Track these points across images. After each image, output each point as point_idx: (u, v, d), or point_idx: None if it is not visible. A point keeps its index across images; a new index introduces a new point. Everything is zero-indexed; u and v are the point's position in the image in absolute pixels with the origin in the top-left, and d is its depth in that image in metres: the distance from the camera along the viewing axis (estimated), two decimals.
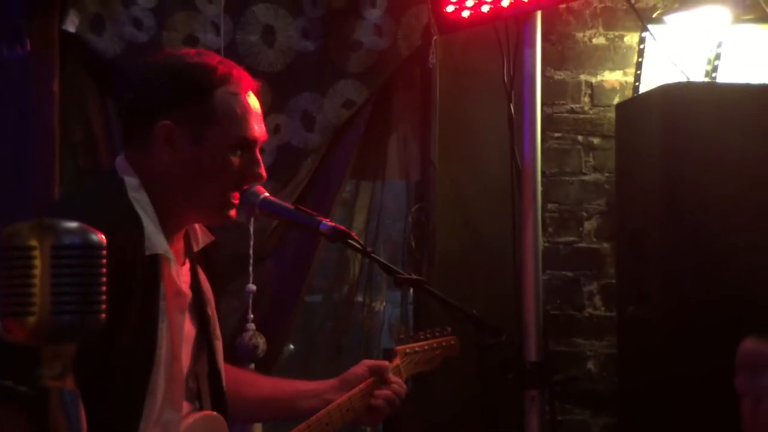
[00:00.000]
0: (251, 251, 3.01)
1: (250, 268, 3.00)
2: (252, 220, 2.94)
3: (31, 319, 1.05)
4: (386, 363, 2.15)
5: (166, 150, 1.73)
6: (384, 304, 3.38)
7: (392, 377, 2.13)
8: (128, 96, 1.82)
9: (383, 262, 1.93)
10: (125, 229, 1.63)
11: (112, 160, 2.96)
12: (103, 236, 1.10)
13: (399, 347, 2.24)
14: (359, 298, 3.29)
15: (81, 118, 3.01)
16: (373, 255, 1.94)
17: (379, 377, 2.11)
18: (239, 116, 1.76)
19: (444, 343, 2.31)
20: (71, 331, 1.06)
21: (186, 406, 1.79)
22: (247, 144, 1.77)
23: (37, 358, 1.10)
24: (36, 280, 1.04)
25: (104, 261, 1.09)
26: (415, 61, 3.21)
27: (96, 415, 1.48)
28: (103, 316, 1.09)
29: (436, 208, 3.23)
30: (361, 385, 2.10)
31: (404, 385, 2.15)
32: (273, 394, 2.10)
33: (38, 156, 2.85)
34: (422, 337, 2.29)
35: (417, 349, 2.25)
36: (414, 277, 2.06)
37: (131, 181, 1.73)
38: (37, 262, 1.05)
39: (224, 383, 1.88)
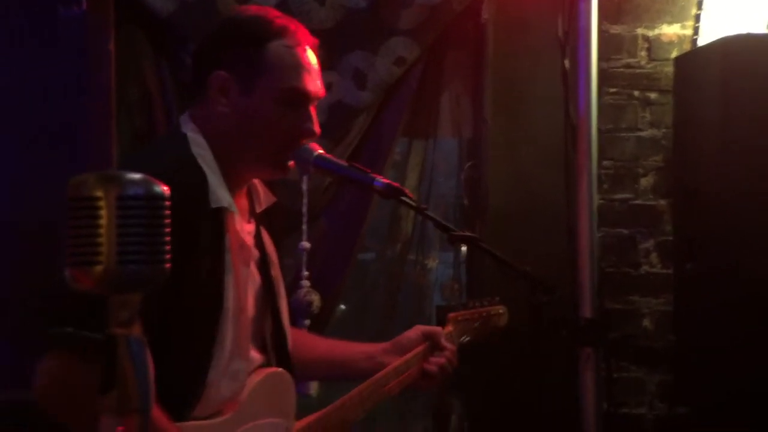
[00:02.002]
0: (304, 209, 3.03)
1: (304, 226, 3.02)
2: (305, 178, 2.95)
3: (98, 269, 1.07)
4: (439, 329, 2.15)
5: (220, 100, 1.76)
6: (437, 261, 3.38)
7: (445, 344, 2.13)
8: (194, 53, 1.87)
9: (437, 219, 1.93)
10: (190, 182, 1.66)
11: (166, 119, 3.06)
12: (166, 187, 1.12)
13: (451, 315, 2.24)
14: (412, 256, 3.30)
15: (136, 77, 3.03)
16: (426, 212, 1.94)
17: (432, 343, 2.12)
18: (290, 68, 1.76)
19: (493, 312, 2.30)
20: (136, 280, 1.08)
21: (254, 356, 1.82)
22: (297, 97, 1.78)
23: (105, 306, 1.12)
24: (102, 230, 1.06)
25: (167, 212, 1.10)
26: (468, 16, 3.17)
27: (166, 365, 1.51)
28: (168, 266, 1.11)
29: (488, 166, 3.21)
30: (416, 350, 2.10)
31: (456, 353, 2.15)
32: (327, 356, 2.13)
33: (95, 116, 2.89)
34: (472, 305, 2.29)
35: (468, 316, 2.26)
36: (468, 234, 2.05)
37: (194, 137, 1.75)
38: (103, 212, 1.07)
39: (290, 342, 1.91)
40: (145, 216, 1.08)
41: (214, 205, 1.69)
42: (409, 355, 2.09)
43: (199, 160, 1.72)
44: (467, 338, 2.25)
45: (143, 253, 1.07)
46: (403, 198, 1.85)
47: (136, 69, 3.03)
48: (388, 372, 2.06)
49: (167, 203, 1.10)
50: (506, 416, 3.09)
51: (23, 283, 2.75)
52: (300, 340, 2.11)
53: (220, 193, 1.71)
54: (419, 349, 2.11)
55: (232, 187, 1.77)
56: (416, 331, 2.14)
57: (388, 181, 1.85)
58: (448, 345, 2.14)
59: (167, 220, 1.10)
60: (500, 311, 2.31)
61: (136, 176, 1.10)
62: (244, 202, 1.84)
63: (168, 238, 1.10)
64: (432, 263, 3.38)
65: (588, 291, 2.78)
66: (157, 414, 1.56)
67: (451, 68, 3.23)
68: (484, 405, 3.16)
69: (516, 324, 2.18)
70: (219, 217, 1.70)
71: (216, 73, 1.75)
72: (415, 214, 3.18)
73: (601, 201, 3.28)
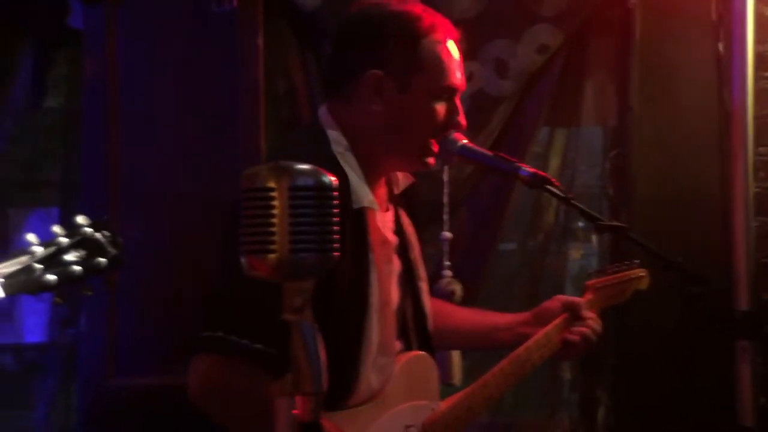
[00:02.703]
0: (445, 199, 3.03)
1: (445, 216, 3.03)
2: (446, 168, 2.96)
3: (272, 257, 1.11)
4: (579, 299, 2.11)
5: (374, 99, 1.76)
6: (581, 252, 3.33)
7: (586, 313, 2.08)
8: (334, 47, 1.86)
9: (584, 208, 1.90)
10: None
11: (312, 112, 3.12)
12: (333, 177, 1.14)
13: (589, 282, 2.20)
14: (554, 246, 3.25)
15: (283, 71, 3.12)
16: (573, 201, 1.90)
17: (573, 312, 2.07)
18: (444, 64, 1.77)
19: (633, 276, 2.25)
20: (309, 268, 1.12)
21: (397, 345, 1.85)
22: (449, 92, 1.79)
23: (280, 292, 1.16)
24: (275, 220, 1.11)
25: (336, 201, 1.14)
26: (614, 1, 3.10)
27: None
28: (337, 254, 1.14)
29: (635, 154, 3.13)
30: (556, 321, 2.06)
31: (599, 320, 2.10)
32: (468, 326, 2.13)
33: (244, 108, 2.99)
34: (610, 271, 2.24)
35: (607, 283, 2.21)
36: (616, 224, 2.00)
37: (334, 135, 1.77)
38: (276, 203, 1.11)
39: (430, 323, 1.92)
40: (314, 206, 1.12)
41: (356, 206, 1.71)
42: (549, 327, 2.05)
43: (340, 160, 1.74)
44: (608, 303, 2.20)
45: (314, 242, 1.11)
46: (549, 187, 1.82)
47: (283, 63, 3.12)
48: (529, 346, 2.03)
49: (335, 193, 1.13)
50: (657, 410, 3.01)
51: (181, 271, 2.88)
52: (440, 310, 2.11)
53: (361, 192, 1.73)
54: (559, 320, 2.06)
55: (372, 181, 1.79)
56: (556, 301, 2.10)
57: (534, 170, 1.83)
58: (589, 314, 2.08)
59: (335, 210, 1.14)
60: (640, 274, 2.25)
61: (306, 167, 1.14)
62: (382, 191, 1.86)
63: (336, 227, 1.14)
64: (576, 254, 3.33)
65: (743, 282, 2.68)
66: None
67: (596, 55, 3.17)
68: (634, 398, 3.09)
69: (668, 316, 2.12)
70: (361, 217, 1.73)
71: (371, 72, 1.75)
72: (557, 204, 3.14)
73: (757, 189, 3.13)
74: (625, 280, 2.24)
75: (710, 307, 2.59)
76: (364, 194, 1.74)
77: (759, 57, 3.10)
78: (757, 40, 3.04)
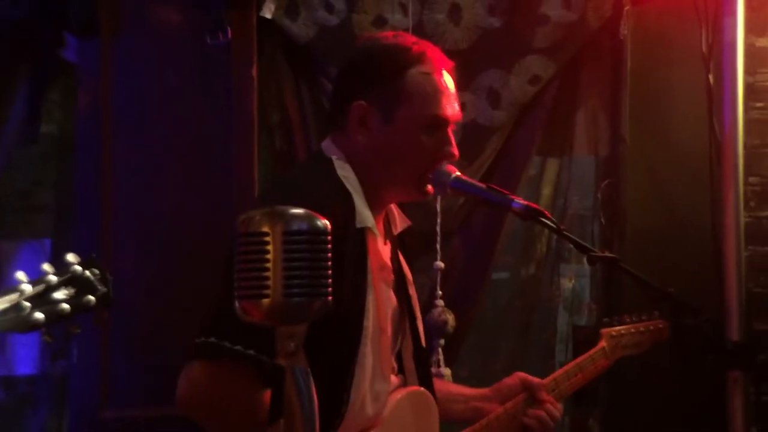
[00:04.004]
0: (438, 228, 3.04)
1: (438, 246, 3.04)
2: (439, 198, 2.97)
3: (266, 302, 1.12)
4: (541, 382, 2.08)
5: (361, 130, 1.78)
6: (573, 281, 3.33)
7: (545, 396, 2.06)
8: (334, 80, 1.90)
9: (576, 239, 1.90)
10: (338, 202, 1.70)
11: (306, 142, 3.14)
12: (326, 221, 1.15)
13: (604, 330, 2.19)
14: (547, 275, 3.25)
15: (277, 102, 3.14)
16: (565, 233, 1.91)
17: (530, 394, 2.06)
18: (430, 95, 1.78)
19: (652, 327, 2.24)
20: (302, 312, 1.13)
21: (393, 380, 1.84)
22: (438, 123, 1.79)
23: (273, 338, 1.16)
24: (269, 265, 1.11)
25: (329, 246, 1.14)
26: (605, 33, 3.12)
27: None
28: (330, 298, 1.14)
29: (627, 184, 3.14)
30: (512, 402, 2.05)
31: (559, 406, 2.08)
32: None
33: (238, 139, 3.00)
34: (628, 320, 2.23)
35: (623, 332, 2.20)
36: (608, 255, 2.01)
37: (339, 162, 1.79)
38: (270, 248, 1.12)
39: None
40: (309, 250, 1.12)
41: (359, 225, 1.72)
42: (508, 405, 2.05)
43: (345, 183, 1.76)
44: (625, 353, 2.19)
45: (307, 286, 1.12)
46: (543, 219, 1.83)
47: (277, 94, 3.13)
48: (490, 420, 2.02)
49: (329, 237, 1.14)
50: None
51: (174, 302, 2.87)
52: None
53: (364, 214, 1.74)
54: (515, 401, 2.05)
55: (374, 209, 1.80)
56: (515, 378, 2.09)
57: (526, 202, 1.84)
58: (548, 398, 2.06)
59: (329, 254, 1.14)
60: (660, 326, 2.24)
61: (300, 211, 1.15)
62: (381, 225, 1.87)
63: (330, 271, 1.14)
64: (568, 283, 3.33)
65: (735, 313, 2.68)
66: None
67: (588, 85, 3.19)
68: (625, 428, 3.08)
69: (660, 347, 2.13)
70: (362, 238, 1.73)
71: (356, 103, 1.77)
72: (549, 233, 3.14)
73: (748, 219, 3.15)
74: (643, 331, 2.23)
75: (702, 338, 2.60)
76: (367, 216, 1.75)
77: (749, 87, 3.12)
78: (747, 71, 3.06)
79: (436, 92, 1.79)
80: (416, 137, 1.78)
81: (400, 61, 1.78)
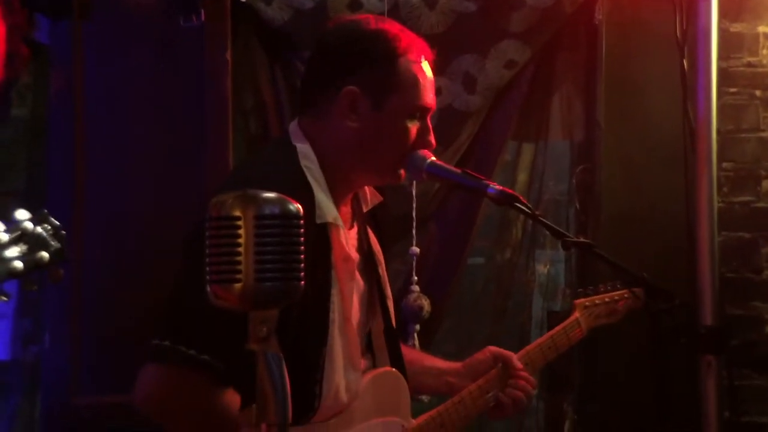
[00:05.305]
0: (414, 214, 3.04)
1: (413, 231, 3.03)
2: (414, 183, 2.97)
3: (238, 286, 1.11)
4: (511, 354, 2.09)
5: (349, 116, 1.77)
6: (548, 266, 3.34)
7: (519, 365, 2.06)
8: (310, 63, 1.85)
9: (551, 225, 1.90)
10: (296, 198, 1.67)
11: (280, 126, 3.11)
12: (299, 205, 1.14)
13: (577, 301, 2.20)
14: (522, 260, 3.26)
15: (252, 86, 3.11)
16: (540, 218, 1.91)
17: (504, 365, 2.06)
18: (418, 85, 1.79)
19: (627, 295, 2.25)
20: (274, 297, 1.12)
21: (363, 362, 1.84)
22: (422, 112, 1.81)
23: (241, 326, 1.15)
24: (241, 249, 1.10)
25: (302, 230, 1.13)
26: (580, 17, 3.13)
27: None
28: (302, 282, 1.13)
29: (601, 169, 3.15)
30: (485, 378, 2.05)
31: (533, 380, 2.08)
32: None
33: (213, 123, 2.98)
34: (603, 289, 2.24)
35: (597, 301, 2.21)
36: (583, 240, 2.02)
37: (303, 149, 1.77)
38: (242, 231, 1.11)
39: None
40: (280, 234, 1.12)
41: (319, 221, 1.71)
42: (481, 381, 2.05)
43: (307, 174, 1.74)
44: (598, 323, 2.20)
45: (279, 271, 1.11)
46: (518, 204, 1.83)
47: (251, 77, 3.11)
48: (462, 396, 2.03)
49: (301, 221, 1.13)
50: (622, 425, 3.02)
51: (146, 287, 2.84)
52: None
53: (325, 208, 1.73)
54: (488, 376, 2.06)
55: (339, 198, 1.79)
56: (486, 352, 2.09)
57: (501, 187, 1.83)
58: (522, 368, 2.06)
59: (301, 238, 1.14)
60: (635, 292, 2.24)
61: (272, 195, 1.14)
62: (348, 208, 1.86)
63: (302, 255, 1.13)
64: (543, 268, 3.34)
65: (708, 297, 2.70)
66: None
67: (563, 70, 3.19)
68: (600, 412, 3.11)
69: (634, 331, 2.13)
70: (324, 233, 1.73)
71: (348, 88, 1.76)
72: (525, 218, 3.15)
73: (722, 204, 3.18)
74: (617, 299, 2.24)
75: (675, 322, 2.61)
76: (329, 210, 1.73)
77: (723, 73, 3.14)
78: (721, 57, 3.08)
79: (423, 81, 1.79)
80: (403, 125, 1.78)
81: (392, 48, 1.77)
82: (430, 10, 3.10)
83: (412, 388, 1.98)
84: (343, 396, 1.75)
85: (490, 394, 2.03)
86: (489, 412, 2.07)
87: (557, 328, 2.20)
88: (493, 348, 2.11)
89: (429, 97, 1.80)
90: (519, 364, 2.07)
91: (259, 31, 3.09)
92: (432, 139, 1.83)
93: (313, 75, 1.84)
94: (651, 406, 2.37)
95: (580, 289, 2.27)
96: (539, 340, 2.12)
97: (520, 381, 2.05)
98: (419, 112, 1.79)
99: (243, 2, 3.02)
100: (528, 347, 2.14)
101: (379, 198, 1.93)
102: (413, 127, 1.79)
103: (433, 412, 2.00)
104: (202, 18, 2.88)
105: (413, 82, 1.77)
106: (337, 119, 1.77)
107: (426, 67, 1.81)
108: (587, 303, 2.20)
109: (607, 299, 2.23)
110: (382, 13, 2.95)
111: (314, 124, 1.80)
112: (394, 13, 3.04)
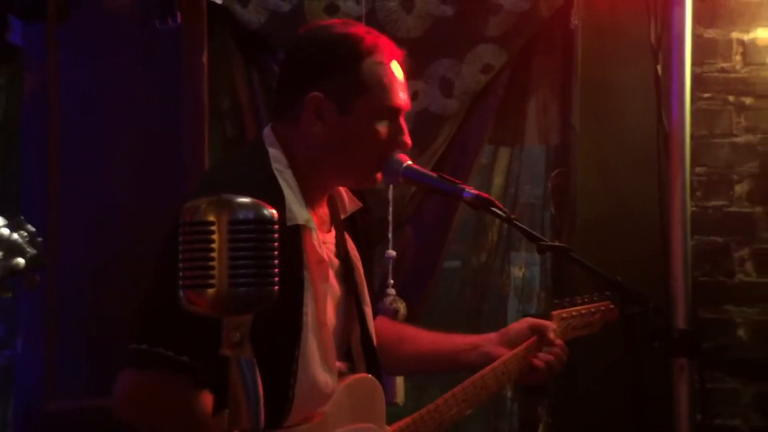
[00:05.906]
0: (390, 217, 3.04)
1: (390, 234, 3.04)
2: (391, 186, 2.97)
3: (211, 291, 1.11)
4: (549, 323, 2.13)
5: (315, 121, 1.76)
6: (523, 269, 3.36)
7: (553, 338, 2.10)
8: (281, 69, 1.86)
9: (526, 229, 1.91)
10: (266, 199, 1.66)
11: (256, 128, 3.11)
12: (274, 211, 1.14)
13: (555, 312, 2.20)
14: (498, 264, 3.28)
15: (228, 88, 3.11)
16: (516, 222, 1.92)
17: (541, 337, 2.10)
18: (386, 86, 1.77)
19: (603, 308, 2.26)
20: (248, 302, 1.11)
21: (339, 366, 1.84)
22: (393, 113, 1.79)
23: (219, 328, 1.14)
24: (215, 254, 1.10)
25: (276, 235, 1.13)
26: (556, 22, 3.15)
27: None
28: (276, 288, 1.13)
29: (577, 173, 3.17)
30: (525, 344, 2.09)
31: (566, 349, 2.12)
32: (433, 349, 2.12)
33: (189, 125, 2.97)
34: (579, 301, 2.25)
35: (574, 313, 2.22)
36: (558, 244, 2.02)
37: (275, 153, 1.77)
38: (216, 237, 1.10)
39: (376, 346, 1.92)
40: (255, 239, 1.11)
41: (289, 223, 1.70)
42: (518, 350, 2.08)
43: (279, 177, 1.74)
44: (575, 335, 2.21)
45: (253, 276, 1.10)
46: (493, 208, 1.84)
47: (227, 79, 3.10)
48: (485, 374, 2.05)
49: (275, 226, 1.12)
50: (596, 427, 3.04)
51: (122, 290, 2.83)
52: (405, 334, 2.11)
53: (296, 211, 1.72)
54: (528, 343, 2.09)
55: (312, 201, 1.79)
56: (523, 323, 2.12)
57: (477, 192, 1.84)
58: (557, 340, 2.11)
59: (276, 243, 1.13)
60: (611, 306, 2.25)
61: (247, 200, 1.13)
62: (324, 211, 1.86)
63: (276, 260, 1.13)
64: (518, 271, 3.36)
65: (681, 301, 2.73)
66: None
67: (539, 75, 3.21)
68: (574, 416, 3.12)
69: (607, 335, 2.15)
70: (296, 235, 1.72)
71: (312, 94, 1.75)
72: (500, 222, 3.16)
73: (695, 208, 3.21)
74: (593, 311, 2.25)
75: (649, 326, 2.63)
76: (300, 213, 1.73)
77: (697, 78, 3.17)
78: (695, 62, 3.11)
79: (390, 82, 1.78)
80: (372, 128, 1.77)
81: (355, 51, 1.76)
82: (407, 14, 3.11)
83: (453, 368, 2.08)
84: (317, 400, 1.75)
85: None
86: (521, 378, 2.10)
87: (532, 340, 2.19)
88: (530, 318, 2.14)
89: (399, 98, 1.79)
90: (554, 337, 2.10)
91: (236, 33, 3.09)
92: (407, 139, 1.81)
93: (283, 81, 1.84)
94: (625, 408, 2.38)
95: (556, 301, 2.28)
96: (515, 350, 2.12)
97: (556, 349, 2.09)
98: (389, 113, 1.78)
99: (219, 4, 3.01)
100: (505, 357, 2.13)
101: (358, 204, 1.92)
102: (384, 128, 1.78)
103: (408, 420, 2.00)
104: (179, 20, 2.88)
105: (379, 84, 1.76)
106: (305, 125, 1.77)
107: (395, 67, 1.79)
108: (564, 314, 2.20)
109: (583, 311, 2.23)
110: (359, 17, 2.96)
111: (286, 128, 1.80)
112: (371, 17, 3.04)
